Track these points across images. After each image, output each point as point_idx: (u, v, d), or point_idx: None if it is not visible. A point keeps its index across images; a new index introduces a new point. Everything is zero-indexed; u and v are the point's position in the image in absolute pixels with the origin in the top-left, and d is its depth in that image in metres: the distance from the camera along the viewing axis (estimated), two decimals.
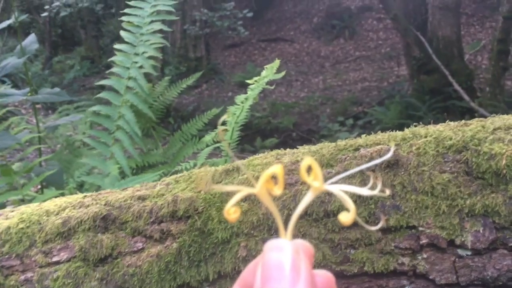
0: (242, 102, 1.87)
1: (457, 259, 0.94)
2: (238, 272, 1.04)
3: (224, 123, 1.98)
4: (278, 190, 0.51)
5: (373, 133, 1.17)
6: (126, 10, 2.44)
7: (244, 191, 0.51)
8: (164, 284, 1.04)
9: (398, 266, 0.97)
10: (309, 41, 11.52)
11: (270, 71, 1.84)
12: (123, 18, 2.43)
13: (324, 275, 0.50)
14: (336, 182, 0.52)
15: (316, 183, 0.50)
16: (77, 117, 2.32)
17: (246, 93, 1.98)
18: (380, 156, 1.03)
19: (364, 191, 0.51)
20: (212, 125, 2.84)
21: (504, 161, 0.92)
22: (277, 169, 0.49)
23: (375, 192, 0.51)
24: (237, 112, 1.86)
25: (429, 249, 0.96)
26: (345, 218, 0.49)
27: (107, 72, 2.45)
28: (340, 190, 0.51)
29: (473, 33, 10.29)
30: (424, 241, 0.95)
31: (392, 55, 9.96)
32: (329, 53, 10.84)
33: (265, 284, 0.45)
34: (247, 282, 0.50)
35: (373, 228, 0.60)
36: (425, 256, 0.96)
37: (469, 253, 0.93)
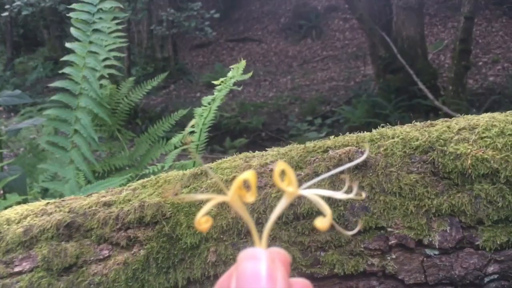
0: (209, 103, 1.85)
1: (425, 259, 0.95)
2: (208, 278, 1.02)
3: (192, 127, 1.95)
4: (250, 197, 0.49)
5: (341, 132, 1.18)
6: (74, 6, 2.28)
7: (215, 199, 0.49)
8: None
9: (368, 267, 0.97)
10: (276, 41, 11.56)
11: (236, 72, 1.83)
12: (71, 14, 2.28)
13: (301, 283, 0.49)
14: (310, 187, 0.51)
15: (290, 188, 0.49)
16: (40, 120, 2.24)
17: (214, 93, 1.96)
18: (349, 158, 1.03)
19: (340, 195, 0.50)
20: (180, 126, 2.80)
21: (469, 161, 0.93)
22: (249, 175, 0.48)
23: (351, 195, 0.50)
24: (204, 113, 1.84)
25: (397, 249, 0.96)
26: (321, 223, 0.48)
27: (59, 72, 2.34)
28: (314, 194, 0.50)
29: (436, 33, 10.54)
30: (392, 241, 0.96)
31: (359, 55, 10.11)
32: (296, 53, 10.91)
33: None
34: None
35: (350, 233, 0.59)
36: (394, 256, 0.96)
37: (436, 252, 0.94)
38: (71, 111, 2.20)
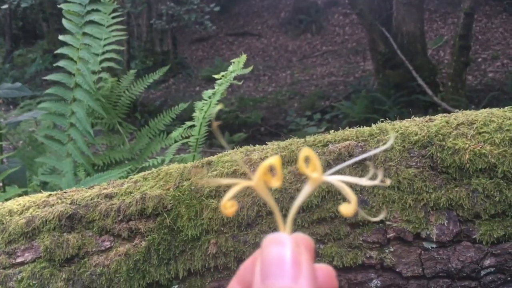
0: (209, 97, 1.86)
1: (423, 252, 0.96)
2: (208, 269, 1.04)
3: (193, 120, 1.96)
4: (276, 182, 0.50)
5: (340, 127, 1.19)
6: None
7: (241, 184, 0.50)
8: (133, 283, 1.02)
9: (366, 259, 0.98)
10: (276, 36, 11.55)
11: (237, 66, 1.84)
12: (62, 5, 2.25)
13: (325, 269, 0.49)
14: (334, 173, 0.51)
15: (314, 174, 0.49)
16: (39, 113, 2.24)
17: (214, 87, 1.96)
18: (349, 152, 1.05)
19: (365, 181, 0.50)
20: (180, 120, 2.81)
21: (467, 156, 0.94)
22: (274, 160, 0.48)
23: (376, 182, 0.50)
24: (204, 107, 1.84)
25: (396, 242, 0.98)
26: (346, 209, 0.48)
27: (54, 65, 2.32)
28: (339, 180, 0.50)
29: (436, 29, 10.54)
30: (391, 234, 0.97)
31: (358, 50, 10.10)
32: (296, 48, 10.90)
33: (265, 280, 0.43)
34: (246, 280, 0.48)
35: (375, 219, 0.59)
36: (392, 249, 0.98)
37: (434, 245, 0.95)
38: (67, 105, 2.20)
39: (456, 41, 6.30)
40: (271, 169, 0.49)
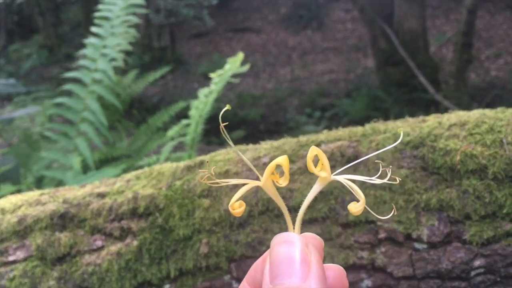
0: (206, 96, 1.86)
1: (413, 252, 0.96)
2: (200, 269, 1.04)
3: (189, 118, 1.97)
4: (283, 182, 0.50)
5: (340, 125, 1.19)
6: (100, 6, 2.45)
7: (249, 184, 0.49)
8: (124, 282, 1.02)
9: (357, 260, 0.99)
10: (276, 32, 11.52)
11: (233, 65, 1.84)
12: (97, 14, 2.42)
13: (335, 269, 0.49)
14: (342, 172, 0.51)
15: (323, 173, 0.49)
16: (35, 109, 2.26)
17: (211, 85, 1.97)
18: (341, 152, 1.04)
19: (374, 180, 0.50)
20: (177, 117, 2.81)
21: (458, 157, 0.94)
22: (282, 160, 0.48)
23: (385, 180, 0.50)
24: (200, 105, 1.85)
25: (387, 243, 0.98)
26: (355, 208, 0.49)
27: (74, 66, 2.44)
28: (348, 179, 0.50)
29: (439, 26, 10.49)
30: (382, 235, 0.97)
31: (359, 47, 10.07)
32: (296, 44, 10.87)
33: (274, 280, 0.43)
34: (256, 280, 0.48)
35: (384, 217, 0.60)
36: (383, 250, 0.98)
37: (425, 246, 0.95)
38: (80, 99, 2.26)
39: (459, 38, 6.27)
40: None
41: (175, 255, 1.03)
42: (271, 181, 0.49)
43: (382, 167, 0.99)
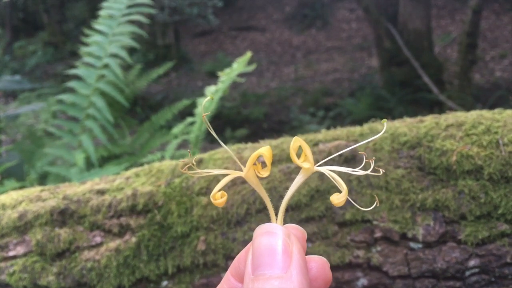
0: (213, 94, 1.87)
1: (409, 252, 0.96)
2: (197, 266, 1.05)
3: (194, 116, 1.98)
4: (265, 173, 0.50)
5: (344, 125, 1.20)
6: (105, 4, 2.45)
7: (231, 174, 0.50)
8: (122, 278, 1.04)
9: (353, 258, 0.99)
10: (280, 31, 11.51)
11: (241, 65, 1.84)
12: (102, 12, 2.43)
13: (318, 260, 0.49)
14: (325, 164, 0.51)
15: (306, 164, 0.49)
16: (39, 106, 2.27)
17: (216, 82, 1.97)
18: (338, 152, 1.05)
19: (357, 171, 0.51)
20: (180, 115, 2.82)
21: (454, 157, 0.95)
22: (264, 150, 0.48)
23: (368, 171, 0.51)
24: (206, 104, 1.86)
25: (382, 242, 0.98)
26: (337, 199, 0.49)
27: (78, 63, 2.44)
28: (331, 171, 0.50)
29: (444, 26, 10.46)
30: (378, 234, 0.98)
31: (364, 46, 10.05)
32: (300, 43, 10.86)
33: (256, 270, 0.43)
34: (239, 271, 0.48)
35: (366, 209, 0.60)
36: (379, 249, 0.98)
37: (420, 246, 0.96)
38: (84, 96, 2.28)
39: (463, 39, 6.25)
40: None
41: (173, 252, 1.05)
42: (253, 171, 0.50)
43: (380, 167, 1.00)
